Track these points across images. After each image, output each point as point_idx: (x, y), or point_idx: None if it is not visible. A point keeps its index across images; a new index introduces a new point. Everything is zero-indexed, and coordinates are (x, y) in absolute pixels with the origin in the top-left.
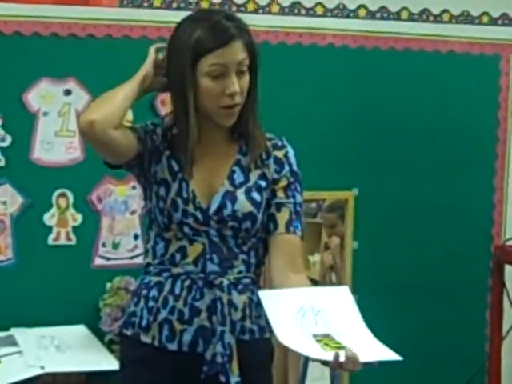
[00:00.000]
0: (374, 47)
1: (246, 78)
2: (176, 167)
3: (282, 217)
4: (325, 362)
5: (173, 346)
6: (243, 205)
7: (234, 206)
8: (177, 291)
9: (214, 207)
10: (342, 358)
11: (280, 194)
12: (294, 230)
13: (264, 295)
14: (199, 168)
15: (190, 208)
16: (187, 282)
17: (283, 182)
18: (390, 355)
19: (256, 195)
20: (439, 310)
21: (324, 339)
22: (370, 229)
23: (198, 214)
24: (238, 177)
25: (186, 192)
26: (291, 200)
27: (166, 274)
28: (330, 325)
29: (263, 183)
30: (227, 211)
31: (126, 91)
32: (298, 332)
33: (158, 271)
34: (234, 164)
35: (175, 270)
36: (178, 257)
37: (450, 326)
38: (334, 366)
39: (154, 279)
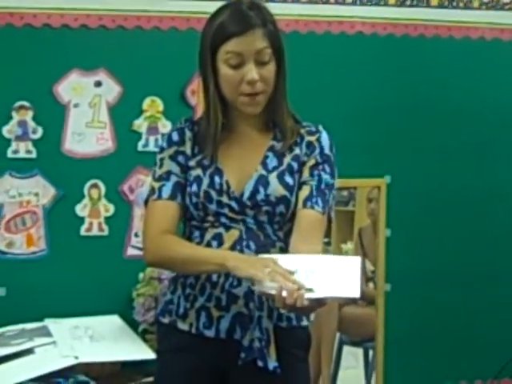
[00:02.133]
0: (404, 35)
1: (270, 67)
2: (207, 161)
3: (302, 194)
4: (272, 297)
5: (210, 333)
6: (276, 189)
7: (266, 190)
8: (214, 278)
9: (247, 193)
10: (284, 293)
11: (305, 173)
12: (312, 205)
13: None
14: (232, 157)
15: (225, 199)
16: None
17: (310, 162)
18: (345, 293)
19: (289, 178)
20: (473, 296)
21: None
22: (402, 216)
23: (233, 204)
24: (271, 161)
25: (219, 183)
26: (315, 178)
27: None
28: (319, 283)
29: (295, 165)
30: (260, 196)
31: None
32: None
33: None
34: (268, 149)
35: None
36: (214, 244)
37: (484, 313)
38: (277, 299)
39: None
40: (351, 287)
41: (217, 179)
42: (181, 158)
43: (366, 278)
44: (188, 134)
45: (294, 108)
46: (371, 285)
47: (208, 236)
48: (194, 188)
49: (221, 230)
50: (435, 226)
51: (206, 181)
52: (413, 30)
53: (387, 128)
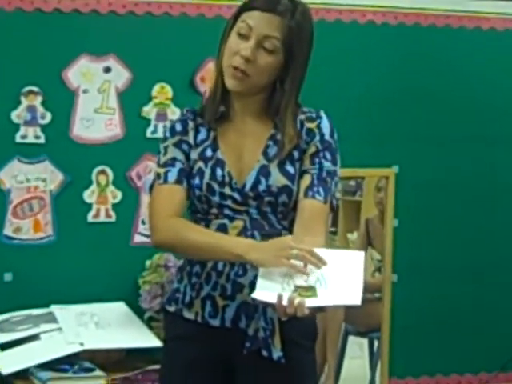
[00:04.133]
0: (415, 24)
1: (269, 59)
2: (209, 152)
3: (303, 184)
4: (272, 306)
5: (215, 322)
6: (277, 179)
7: (267, 180)
8: (220, 267)
9: (249, 184)
10: (284, 302)
11: (306, 161)
12: (313, 195)
13: None
14: (233, 146)
15: (227, 190)
16: None
17: (311, 150)
18: (346, 300)
19: (290, 167)
20: (479, 287)
21: (303, 290)
22: (410, 206)
23: (236, 195)
24: (272, 150)
25: (221, 175)
26: (316, 166)
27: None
28: (322, 280)
29: (296, 154)
30: (262, 187)
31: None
32: (277, 283)
33: None
34: (269, 139)
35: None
36: None
37: (490, 304)
38: (278, 309)
39: None
40: (353, 292)
41: (218, 171)
42: (185, 147)
43: (374, 268)
44: (190, 124)
45: (303, 97)
46: (377, 274)
47: (212, 227)
48: (197, 181)
49: (225, 221)
50: (443, 217)
51: (207, 173)
52: (424, 20)
53: (396, 118)
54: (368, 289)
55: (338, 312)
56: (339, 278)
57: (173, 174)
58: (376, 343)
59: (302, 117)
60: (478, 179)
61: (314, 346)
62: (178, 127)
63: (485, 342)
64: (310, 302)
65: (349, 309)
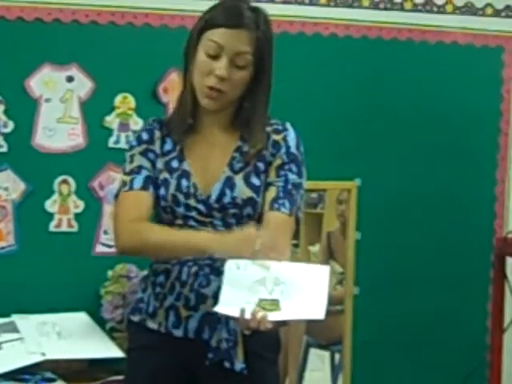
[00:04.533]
0: (377, 37)
1: (242, 74)
2: (175, 163)
3: (269, 196)
4: (235, 320)
5: (178, 333)
6: (242, 191)
7: (232, 192)
8: (184, 277)
9: (214, 196)
10: (247, 316)
11: (272, 174)
12: (278, 207)
13: (231, 263)
14: (199, 158)
15: (192, 202)
16: (194, 269)
17: (276, 163)
18: (309, 315)
19: (255, 179)
20: (441, 301)
21: (267, 304)
22: (372, 219)
23: (201, 207)
24: (238, 162)
25: (186, 186)
26: (282, 179)
27: (173, 261)
28: (286, 294)
29: (262, 166)
30: (227, 198)
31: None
32: (241, 297)
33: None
34: (235, 150)
35: (183, 257)
36: None
37: (452, 318)
38: (240, 322)
39: (162, 266)
40: (316, 306)
41: (184, 182)
42: (151, 155)
43: (335, 280)
44: (157, 133)
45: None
46: (339, 287)
47: None
48: (162, 192)
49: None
50: (405, 230)
51: (173, 184)
52: (386, 33)
53: (358, 131)
54: (330, 301)
55: (300, 325)
56: (303, 292)
57: (139, 181)
58: (337, 356)
59: (268, 129)
60: (439, 192)
61: (277, 359)
62: (145, 136)
63: (446, 356)
64: (273, 316)
65: (310, 321)
